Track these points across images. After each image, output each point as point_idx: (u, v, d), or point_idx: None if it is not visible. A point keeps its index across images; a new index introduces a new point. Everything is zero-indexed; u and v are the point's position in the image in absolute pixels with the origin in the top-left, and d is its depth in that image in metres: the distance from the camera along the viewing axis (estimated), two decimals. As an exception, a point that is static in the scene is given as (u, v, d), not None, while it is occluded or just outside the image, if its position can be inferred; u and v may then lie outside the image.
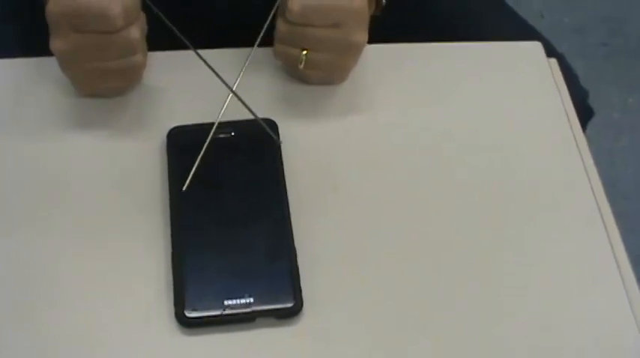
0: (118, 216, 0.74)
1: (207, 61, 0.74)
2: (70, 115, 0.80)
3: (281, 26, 0.76)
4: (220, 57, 0.77)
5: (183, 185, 0.73)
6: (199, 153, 0.74)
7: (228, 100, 0.76)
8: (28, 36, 0.90)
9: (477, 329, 0.69)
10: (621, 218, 0.76)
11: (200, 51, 0.74)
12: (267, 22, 0.77)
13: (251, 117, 0.76)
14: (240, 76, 0.78)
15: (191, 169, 0.74)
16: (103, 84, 0.79)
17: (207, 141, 0.75)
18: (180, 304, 0.67)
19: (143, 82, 0.81)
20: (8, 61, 0.84)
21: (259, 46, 0.79)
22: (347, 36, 0.76)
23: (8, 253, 0.71)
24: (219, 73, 0.75)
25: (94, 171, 0.77)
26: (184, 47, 0.77)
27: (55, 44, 0.74)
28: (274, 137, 0.76)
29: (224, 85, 0.75)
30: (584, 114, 0.95)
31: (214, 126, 0.76)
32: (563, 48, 0.94)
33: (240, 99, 0.75)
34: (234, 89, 0.76)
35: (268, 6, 0.78)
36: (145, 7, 0.75)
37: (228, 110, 0.77)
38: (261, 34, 0.78)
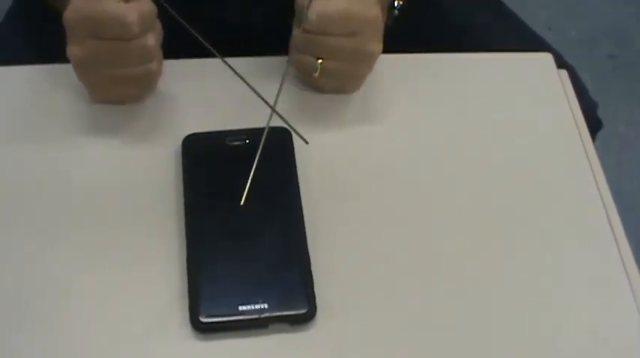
0: (133, 222, 0.74)
1: (225, 69, 0.75)
2: (85, 122, 0.81)
3: (297, 35, 0.77)
4: (238, 65, 0.78)
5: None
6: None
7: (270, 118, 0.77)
8: (43, 43, 0.90)
9: (489, 338, 0.69)
10: (626, 229, 0.76)
11: (217, 59, 0.75)
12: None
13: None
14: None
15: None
16: (118, 91, 0.79)
17: (260, 147, 0.75)
18: (194, 310, 0.68)
19: (158, 90, 0.82)
20: (24, 67, 0.85)
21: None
22: (362, 45, 0.77)
23: (22, 260, 0.72)
24: (237, 82, 0.75)
25: (109, 178, 0.77)
26: (200, 55, 0.78)
27: (71, 50, 0.75)
28: (302, 137, 0.76)
29: (239, 93, 0.76)
30: (593, 125, 0.96)
31: (265, 132, 0.76)
32: (569, 60, 0.95)
33: (274, 109, 0.76)
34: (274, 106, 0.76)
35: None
36: (161, 16, 0.75)
37: (241, 117, 0.78)
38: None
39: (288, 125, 0.77)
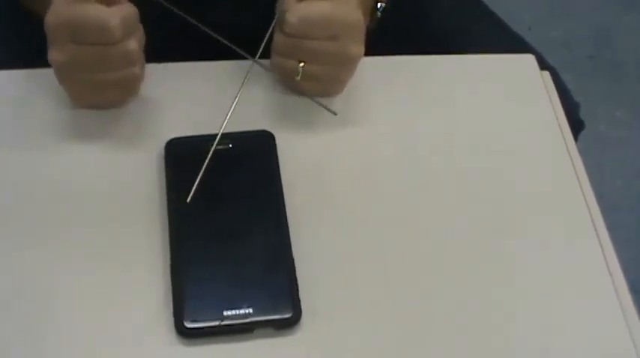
0: (116, 227, 0.74)
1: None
2: (67, 127, 0.80)
3: (278, 38, 0.77)
4: (220, 69, 0.78)
5: (182, 196, 0.73)
6: (198, 164, 0.75)
7: (230, 113, 0.77)
8: (25, 48, 0.90)
9: (475, 341, 0.69)
10: (609, 229, 0.77)
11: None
12: (267, 35, 0.78)
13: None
14: (243, 85, 0.79)
15: (192, 181, 0.74)
16: (100, 95, 0.79)
17: (211, 152, 0.75)
18: (179, 315, 0.67)
19: (141, 94, 0.81)
20: (5, 72, 0.84)
21: (263, 56, 0.79)
22: (344, 48, 0.77)
23: (6, 266, 0.71)
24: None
25: (92, 183, 0.77)
26: (183, 59, 0.78)
27: (53, 55, 0.75)
28: (330, 109, 0.76)
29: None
30: (576, 126, 0.96)
31: (217, 138, 0.76)
32: (550, 61, 0.95)
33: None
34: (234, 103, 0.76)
35: (267, 19, 0.78)
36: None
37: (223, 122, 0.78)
38: (262, 48, 0.78)
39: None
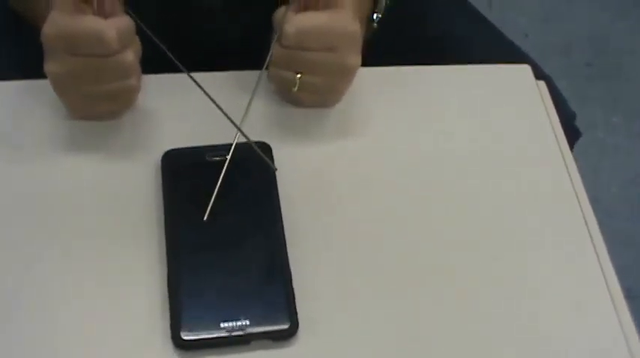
0: (113, 239, 0.74)
1: (204, 85, 0.75)
2: (64, 138, 0.80)
3: (276, 50, 0.77)
4: (212, 80, 0.78)
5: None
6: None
7: (236, 136, 0.77)
8: (21, 59, 0.90)
9: (473, 350, 0.69)
10: (605, 235, 0.77)
11: (197, 74, 0.75)
12: (272, 48, 0.78)
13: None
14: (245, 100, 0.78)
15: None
16: (97, 107, 0.79)
17: (226, 164, 0.75)
18: (176, 326, 0.67)
19: (137, 105, 0.82)
20: (2, 83, 0.84)
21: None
22: (341, 59, 0.77)
23: (3, 276, 0.71)
24: (216, 98, 0.75)
25: (89, 194, 0.77)
26: (179, 70, 0.78)
27: (49, 67, 0.75)
28: (270, 163, 0.76)
29: (219, 109, 0.76)
30: (572, 135, 0.97)
31: (232, 147, 0.76)
32: (547, 68, 0.96)
33: (237, 126, 0.76)
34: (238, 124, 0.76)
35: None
36: (140, 31, 0.75)
37: (222, 133, 0.78)
38: (268, 60, 0.78)
39: (255, 147, 0.76)
